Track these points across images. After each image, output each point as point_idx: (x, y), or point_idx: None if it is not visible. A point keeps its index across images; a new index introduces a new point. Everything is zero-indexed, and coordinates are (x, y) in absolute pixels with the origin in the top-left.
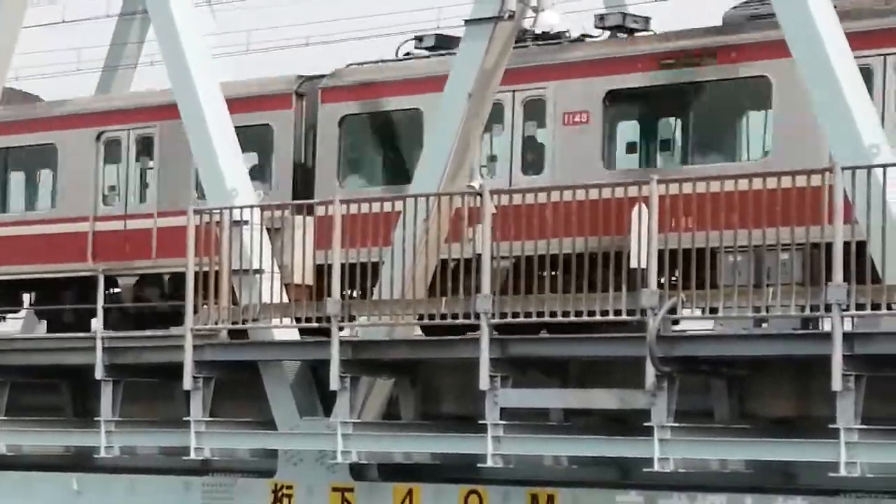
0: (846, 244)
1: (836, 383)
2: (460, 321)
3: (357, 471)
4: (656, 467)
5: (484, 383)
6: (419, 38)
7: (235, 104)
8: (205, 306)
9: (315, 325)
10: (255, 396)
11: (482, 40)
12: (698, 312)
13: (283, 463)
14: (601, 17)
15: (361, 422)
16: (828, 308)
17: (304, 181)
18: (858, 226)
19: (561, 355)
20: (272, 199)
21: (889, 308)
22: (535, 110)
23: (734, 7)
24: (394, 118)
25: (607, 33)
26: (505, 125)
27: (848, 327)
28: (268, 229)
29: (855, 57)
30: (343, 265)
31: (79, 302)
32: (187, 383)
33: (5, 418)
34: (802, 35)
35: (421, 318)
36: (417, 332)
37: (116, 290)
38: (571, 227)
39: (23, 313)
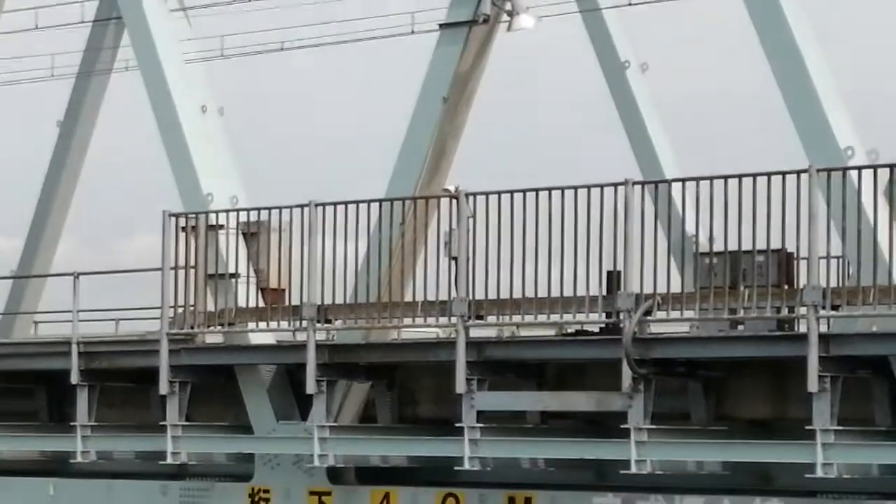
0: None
1: (812, 385)
2: (437, 325)
3: (334, 474)
4: (633, 469)
5: (461, 386)
6: None
7: None
8: (181, 310)
9: (290, 328)
10: (231, 401)
11: (457, 44)
12: (675, 314)
13: (259, 467)
14: None
15: (338, 425)
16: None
17: None
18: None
19: (537, 358)
20: None
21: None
22: None
23: None
24: None
25: None
26: None
27: (824, 328)
28: (244, 234)
29: None
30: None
31: None
32: (163, 388)
33: None
34: (775, 38)
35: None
36: (393, 336)
37: None
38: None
39: None
